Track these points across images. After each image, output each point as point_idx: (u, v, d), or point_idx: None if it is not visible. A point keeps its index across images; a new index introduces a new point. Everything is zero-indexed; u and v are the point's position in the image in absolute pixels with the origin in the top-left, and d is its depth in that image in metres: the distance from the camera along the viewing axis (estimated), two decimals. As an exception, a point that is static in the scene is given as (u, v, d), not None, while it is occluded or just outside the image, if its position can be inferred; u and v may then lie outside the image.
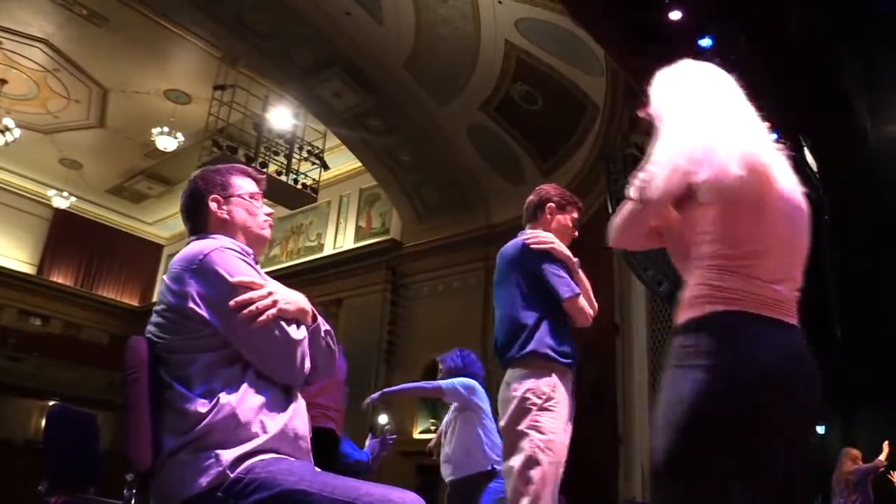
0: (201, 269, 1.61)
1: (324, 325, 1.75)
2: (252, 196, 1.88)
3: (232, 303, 1.57)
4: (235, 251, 1.67)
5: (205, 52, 12.02)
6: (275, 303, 1.61)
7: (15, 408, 13.57)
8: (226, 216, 1.82)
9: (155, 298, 1.76)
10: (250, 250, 1.78)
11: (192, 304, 1.58)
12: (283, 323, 1.61)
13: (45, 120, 14.31)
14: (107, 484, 2.76)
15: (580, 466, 9.55)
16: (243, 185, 1.88)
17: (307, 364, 1.66)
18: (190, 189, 1.86)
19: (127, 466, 1.53)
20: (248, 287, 1.60)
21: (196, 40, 11.73)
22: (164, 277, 1.68)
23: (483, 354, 11.23)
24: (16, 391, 13.31)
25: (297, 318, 1.67)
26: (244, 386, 1.59)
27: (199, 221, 1.83)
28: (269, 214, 1.91)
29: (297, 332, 1.65)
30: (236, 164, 1.95)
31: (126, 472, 1.56)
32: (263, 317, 1.58)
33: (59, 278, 17.17)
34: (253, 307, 1.57)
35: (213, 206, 1.82)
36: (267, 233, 1.89)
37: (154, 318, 1.66)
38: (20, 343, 14.15)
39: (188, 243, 1.73)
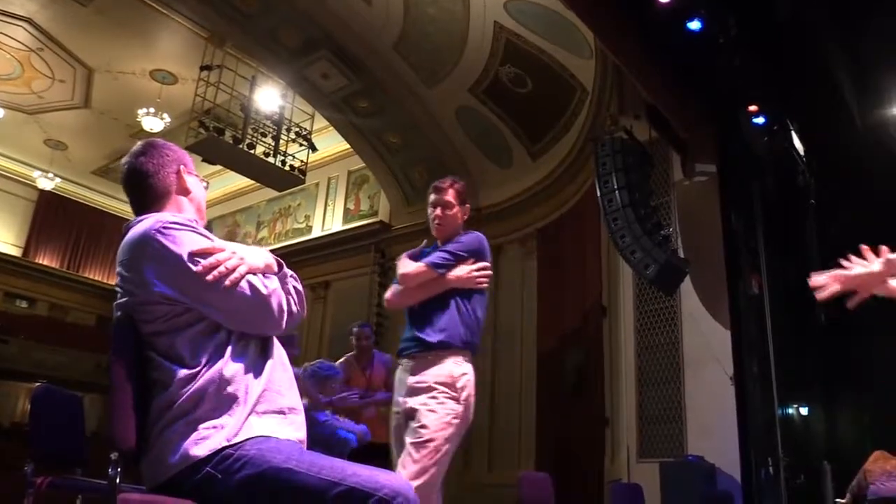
0: (153, 253, 1.59)
1: (289, 271, 1.77)
2: (201, 181, 1.92)
3: (199, 268, 1.55)
4: (179, 223, 1.65)
5: (191, 33, 11.88)
6: (242, 259, 1.61)
7: (0, 390, 13.51)
8: (191, 188, 1.84)
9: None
10: (194, 217, 1.78)
11: (157, 289, 1.57)
12: (251, 279, 1.62)
13: (30, 100, 14.14)
14: (93, 465, 2.76)
15: (566, 448, 9.63)
16: (194, 170, 1.91)
17: (285, 310, 1.68)
18: (157, 155, 1.83)
19: (112, 446, 1.53)
20: (208, 252, 1.59)
21: (182, 20, 11.59)
22: (119, 270, 1.65)
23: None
24: (2, 374, 13.25)
25: (265, 272, 1.68)
26: (228, 351, 1.60)
27: (159, 187, 1.80)
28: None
29: (270, 283, 1.66)
30: (186, 152, 1.96)
31: (111, 452, 1.56)
32: (235, 274, 1.58)
33: (44, 260, 17.05)
34: (222, 268, 1.57)
35: (184, 175, 1.83)
36: (205, 219, 1.91)
37: (119, 311, 1.65)
38: (6, 325, 14.05)
39: (129, 227, 1.71)
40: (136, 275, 1.60)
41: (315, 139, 11.94)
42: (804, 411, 7.21)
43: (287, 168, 11.18)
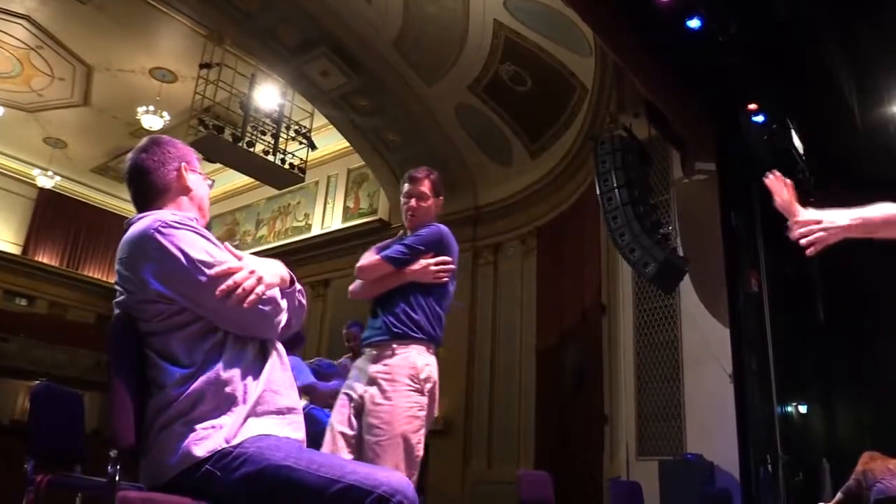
0: (151, 252, 1.59)
1: (298, 286, 1.78)
2: (205, 178, 1.91)
3: (217, 292, 1.55)
4: (179, 222, 1.65)
5: (191, 30, 11.88)
6: (259, 279, 1.60)
7: (0, 388, 13.51)
8: (192, 186, 1.83)
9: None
10: (195, 216, 1.78)
11: (153, 288, 1.57)
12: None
13: (29, 98, 14.13)
14: (93, 463, 2.76)
15: (566, 446, 9.61)
16: (199, 168, 1.90)
17: (283, 321, 1.69)
18: (159, 151, 1.83)
19: (111, 443, 1.53)
20: (226, 273, 1.58)
21: (181, 18, 11.59)
22: (118, 268, 1.65)
23: (470, 334, 11.33)
24: (1, 371, 13.24)
25: (279, 287, 1.69)
26: (225, 352, 1.60)
27: (159, 184, 1.80)
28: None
29: (269, 291, 1.65)
30: (192, 149, 1.94)
31: (111, 450, 1.56)
32: (252, 296, 1.57)
33: (44, 258, 17.05)
34: (240, 290, 1.56)
35: (184, 172, 1.82)
36: (209, 216, 1.90)
37: (118, 310, 1.65)
38: (6, 323, 14.06)
39: (130, 223, 1.71)
40: (134, 273, 1.60)
41: (314, 137, 11.94)
42: (803, 409, 7.22)
43: (286, 166, 11.18)
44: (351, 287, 2.94)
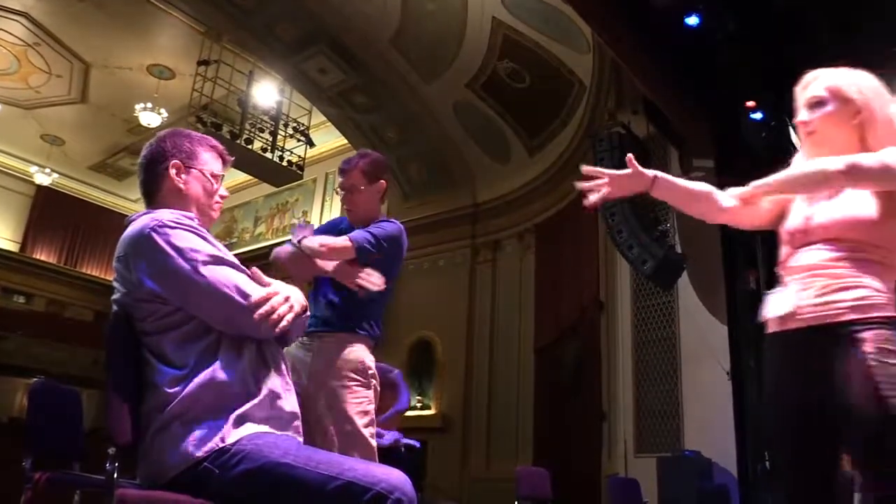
0: (146, 250, 1.59)
1: (308, 313, 1.81)
2: (214, 176, 1.86)
3: (256, 316, 1.57)
4: (176, 222, 1.64)
5: (188, 27, 11.86)
6: (291, 307, 1.64)
7: (-1, 386, 13.52)
8: (181, 185, 1.80)
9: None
10: (193, 216, 1.77)
11: (147, 287, 1.58)
12: (242, 285, 1.63)
13: (26, 95, 14.10)
14: (91, 460, 2.76)
15: (564, 442, 9.60)
16: (209, 161, 1.86)
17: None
18: (155, 147, 1.82)
19: (109, 441, 1.53)
20: (266, 299, 1.60)
21: (179, 15, 11.57)
22: (115, 265, 1.65)
23: (468, 332, 11.33)
24: (0, 369, 13.24)
25: (301, 313, 1.71)
26: (221, 353, 1.60)
27: (153, 182, 1.80)
28: (222, 197, 1.90)
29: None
30: (210, 139, 1.91)
31: (108, 447, 1.56)
32: (283, 322, 1.61)
33: (42, 256, 17.03)
34: (275, 316, 1.59)
35: (172, 171, 1.79)
36: (216, 214, 1.88)
37: (116, 307, 1.65)
38: (3, 321, 14.04)
39: (130, 221, 1.70)
40: (130, 271, 1.60)
41: (312, 135, 11.94)
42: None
43: (285, 163, 11.18)
44: (281, 254, 2.60)
